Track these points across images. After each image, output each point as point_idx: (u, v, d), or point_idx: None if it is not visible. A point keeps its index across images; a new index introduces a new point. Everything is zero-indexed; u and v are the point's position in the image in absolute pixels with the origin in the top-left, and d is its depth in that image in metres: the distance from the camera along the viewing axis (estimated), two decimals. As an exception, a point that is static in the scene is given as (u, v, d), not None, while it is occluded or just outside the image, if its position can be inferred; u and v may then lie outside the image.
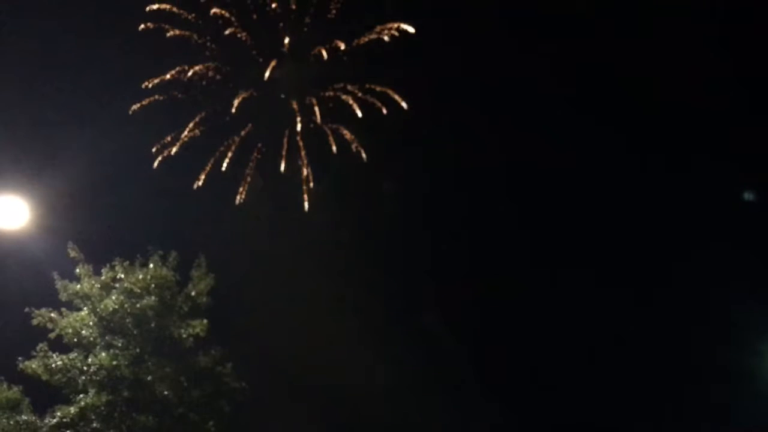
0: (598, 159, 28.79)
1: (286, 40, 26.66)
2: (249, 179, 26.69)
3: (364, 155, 26.84)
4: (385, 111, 26.69)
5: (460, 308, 28.20)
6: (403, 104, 26.68)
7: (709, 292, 26.53)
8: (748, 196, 28.13)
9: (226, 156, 26.59)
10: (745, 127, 27.67)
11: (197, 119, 26.41)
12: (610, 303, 27.79)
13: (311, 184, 27.03)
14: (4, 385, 18.00)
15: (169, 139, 25.64)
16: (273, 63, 26.53)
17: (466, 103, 28.55)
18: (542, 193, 29.61)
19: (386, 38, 26.45)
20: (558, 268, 28.77)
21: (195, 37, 26.08)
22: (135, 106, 25.06)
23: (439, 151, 28.39)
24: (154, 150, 25.39)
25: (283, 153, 27.07)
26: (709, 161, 28.22)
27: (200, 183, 25.96)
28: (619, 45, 28.05)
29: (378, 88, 26.78)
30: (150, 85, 25.60)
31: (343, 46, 26.54)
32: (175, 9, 25.57)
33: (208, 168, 26.33)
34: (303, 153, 27.11)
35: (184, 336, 18.71)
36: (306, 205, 26.82)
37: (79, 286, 18.33)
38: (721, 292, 26.20)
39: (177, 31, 25.67)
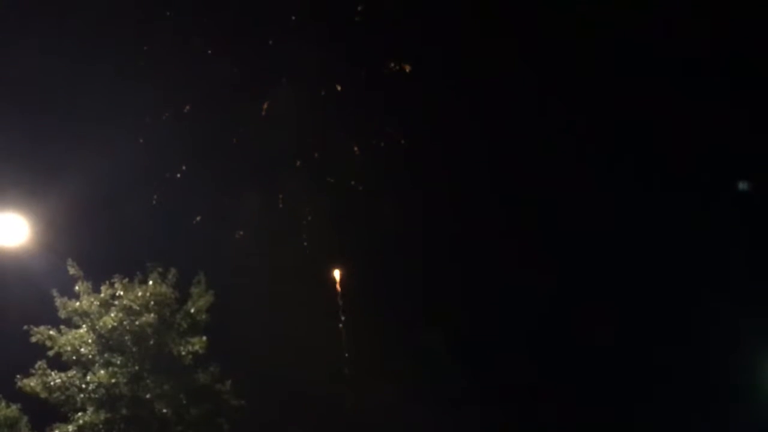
0: (599, 186, 28.83)
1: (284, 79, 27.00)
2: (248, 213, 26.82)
3: (361, 188, 27.14)
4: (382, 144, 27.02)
5: (460, 327, 28.16)
6: (402, 141, 27.02)
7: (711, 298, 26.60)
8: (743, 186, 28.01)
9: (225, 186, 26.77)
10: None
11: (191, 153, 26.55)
12: (614, 322, 27.75)
13: (309, 218, 27.22)
14: (3, 403, 18.13)
15: (167, 175, 25.77)
16: (269, 100, 26.82)
17: (464, 134, 28.70)
18: (542, 218, 29.63)
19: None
20: (558, 288, 28.74)
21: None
22: (139, 140, 25.31)
23: (437, 178, 28.55)
24: (155, 193, 25.55)
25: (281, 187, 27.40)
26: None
27: (198, 219, 26.04)
28: (621, 70, 28.27)
29: (375, 124, 27.15)
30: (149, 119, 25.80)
31: (339, 87, 26.86)
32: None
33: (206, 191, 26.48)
34: (302, 188, 27.35)
35: (183, 353, 18.70)
36: (305, 240, 27.03)
37: (78, 303, 18.32)
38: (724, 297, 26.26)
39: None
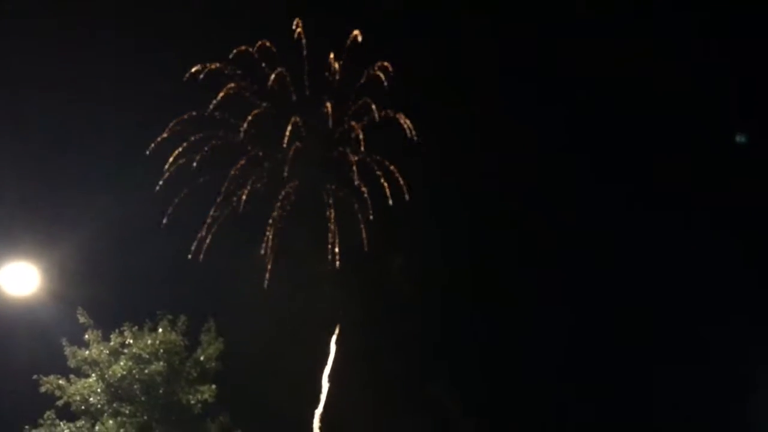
0: (606, 225, 28.70)
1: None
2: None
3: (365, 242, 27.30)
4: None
5: (469, 379, 27.83)
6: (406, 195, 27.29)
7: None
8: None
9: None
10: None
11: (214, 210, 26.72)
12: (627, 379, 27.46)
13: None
14: (11, 455, 17.87)
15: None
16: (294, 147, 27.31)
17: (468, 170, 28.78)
18: (546, 257, 29.46)
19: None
20: (569, 334, 28.43)
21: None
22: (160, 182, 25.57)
23: (454, 228, 28.59)
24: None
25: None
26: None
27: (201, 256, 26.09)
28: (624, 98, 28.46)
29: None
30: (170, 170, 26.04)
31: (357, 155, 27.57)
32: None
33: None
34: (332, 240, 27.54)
35: (192, 402, 18.54)
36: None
37: (87, 352, 18.21)
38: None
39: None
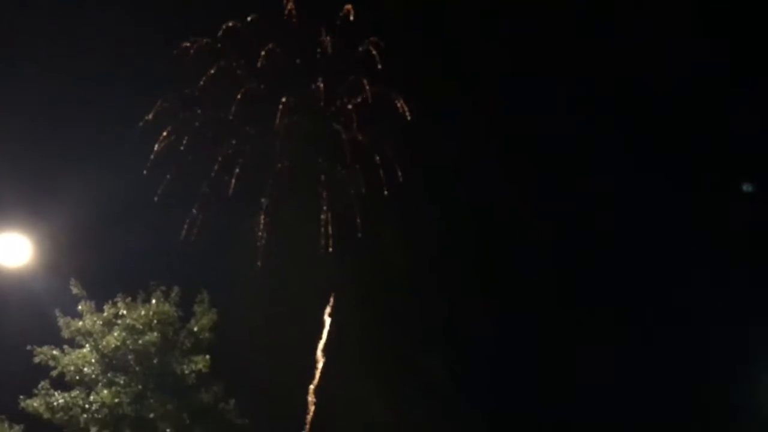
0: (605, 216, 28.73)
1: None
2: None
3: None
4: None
5: (463, 351, 27.95)
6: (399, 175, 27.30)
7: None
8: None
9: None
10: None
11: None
12: (623, 349, 27.53)
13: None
14: (6, 424, 17.92)
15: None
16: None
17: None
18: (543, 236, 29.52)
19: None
20: (567, 311, 28.51)
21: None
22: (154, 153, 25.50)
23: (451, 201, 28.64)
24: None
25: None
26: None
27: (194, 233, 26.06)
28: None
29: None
30: (161, 146, 25.96)
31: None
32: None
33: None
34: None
35: (186, 372, 18.59)
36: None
37: (81, 323, 18.23)
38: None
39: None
